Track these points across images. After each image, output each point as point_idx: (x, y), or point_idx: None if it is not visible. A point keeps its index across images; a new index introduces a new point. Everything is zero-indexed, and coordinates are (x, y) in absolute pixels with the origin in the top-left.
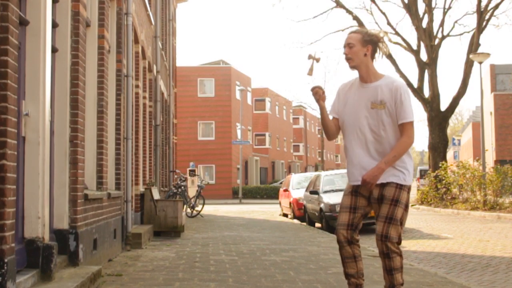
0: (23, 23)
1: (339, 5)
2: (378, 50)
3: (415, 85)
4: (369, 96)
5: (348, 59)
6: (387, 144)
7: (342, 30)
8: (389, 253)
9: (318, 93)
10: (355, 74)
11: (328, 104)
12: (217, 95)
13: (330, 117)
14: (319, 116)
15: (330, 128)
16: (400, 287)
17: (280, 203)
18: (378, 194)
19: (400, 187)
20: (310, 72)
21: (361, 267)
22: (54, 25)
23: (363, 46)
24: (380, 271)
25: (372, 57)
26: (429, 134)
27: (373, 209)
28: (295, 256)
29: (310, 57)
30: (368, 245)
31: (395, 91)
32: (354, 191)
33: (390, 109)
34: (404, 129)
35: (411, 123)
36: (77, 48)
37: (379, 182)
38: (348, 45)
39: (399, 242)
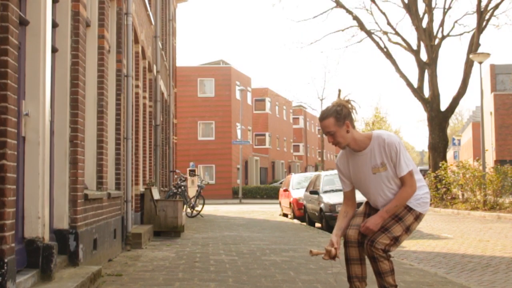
0: (23, 23)
1: (339, 5)
2: (354, 116)
3: (415, 85)
4: (368, 162)
5: (336, 144)
6: None
7: (342, 30)
8: (375, 257)
9: (334, 254)
10: (356, 71)
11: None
12: (217, 95)
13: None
14: (319, 116)
15: (351, 217)
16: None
17: (280, 203)
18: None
19: (409, 209)
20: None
21: (365, 271)
22: (54, 25)
23: (341, 126)
24: None
25: (353, 126)
26: (429, 134)
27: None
28: (295, 256)
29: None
30: None
31: (389, 149)
32: (367, 203)
33: (391, 167)
34: (404, 180)
35: (410, 173)
36: (77, 48)
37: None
38: (328, 133)
39: (385, 252)
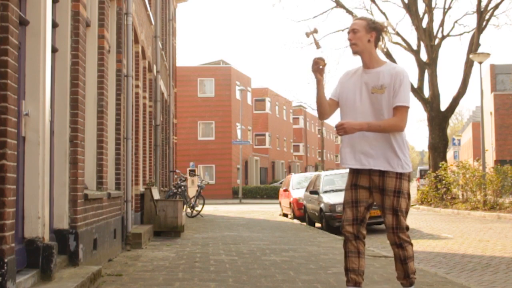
0: (23, 23)
1: (339, 5)
2: (381, 38)
3: (415, 85)
4: (371, 81)
5: (352, 44)
6: None
7: (342, 30)
8: (402, 243)
9: (317, 63)
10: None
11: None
12: (217, 95)
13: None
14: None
15: (324, 106)
16: (413, 275)
17: (280, 203)
18: (378, 183)
19: (400, 176)
20: (318, 45)
21: (362, 265)
22: (54, 25)
23: (367, 33)
24: (380, 271)
25: (376, 44)
26: (429, 134)
27: (374, 199)
28: (295, 256)
29: (307, 34)
30: (368, 245)
31: (395, 75)
32: (353, 185)
33: (389, 94)
34: (398, 112)
35: (406, 108)
36: (77, 48)
37: (378, 168)
38: (352, 31)
39: (407, 229)
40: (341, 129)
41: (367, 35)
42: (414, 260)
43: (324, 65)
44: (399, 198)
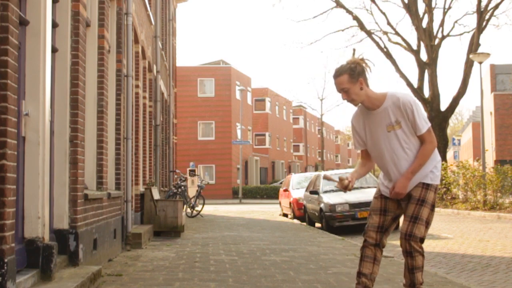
0: (23, 23)
1: (339, 5)
2: (367, 74)
3: (415, 85)
4: (382, 121)
5: (350, 101)
6: (412, 160)
7: (342, 30)
8: (412, 252)
9: (349, 187)
10: None
11: (331, 114)
12: (217, 95)
13: (358, 151)
14: (319, 116)
15: (368, 170)
16: (420, 286)
17: (280, 203)
18: (406, 195)
19: (426, 186)
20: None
21: (376, 272)
22: (54, 25)
23: (355, 83)
24: (381, 271)
25: (367, 85)
26: None
27: (403, 208)
28: (295, 256)
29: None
30: None
31: (404, 108)
32: (382, 195)
33: (406, 124)
34: (424, 138)
35: (429, 129)
36: (77, 48)
37: (410, 189)
38: (342, 90)
39: (422, 241)
40: (399, 195)
41: (356, 85)
42: (423, 272)
43: (350, 183)
44: (422, 206)
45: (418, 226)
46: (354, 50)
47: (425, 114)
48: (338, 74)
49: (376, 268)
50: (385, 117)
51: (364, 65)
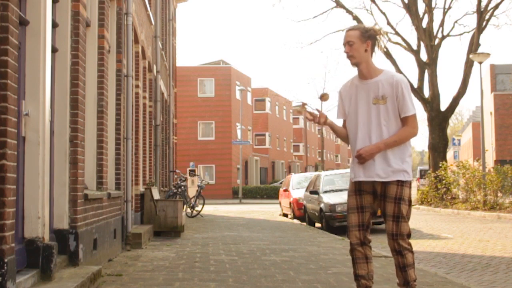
0: (23, 23)
1: (339, 5)
2: (377, 44)
3: (415, 85)
4: (371, 92)
5: (349, 57)
6: (387, 137)
7: (342, 30)
8: (401, 250)
9: (318, 120)
10: (355, 72)
11: (332, 114)
12: (217, 95)
13: (340, 123)
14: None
15: (345, 134)
16: (414, 283)
17: (280, 203)
18: (381, 191)
19: (401, 183)
20: (325, 97)
21: (371, 270)
22: (54, 25)
23: (363, 43)
24: (380, 271)
25: (372, 52)
26: (429, 134)
27: (378, 206)
28: (295, 256)
29: (299, 110)
30: None
31: (396, 85)
32: (357, 190)
33: (392, 103)
34: (408, 121)
35: (414, 115)
36: (77, 48)
37: (383, 180)
38: (348, 43)
39: (409, 237)
40: (361, 159)
41: (363, 45)
42: (414, 268)
43: (321, 115)
44: (400, 204)
45: (402, 224)
46: (376, 23)
47: (414, 101)
48: (351, 28)
49: (370, 266)
50: (374, 89)
51: (378, 35)
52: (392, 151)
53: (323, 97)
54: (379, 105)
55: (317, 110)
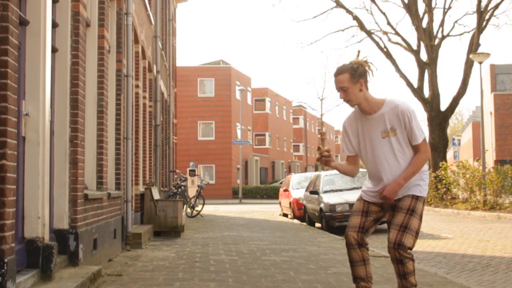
0: (23, 23)
1: (339, 5)
2: (369, 76)
3: (415, 85)
4: (377, 126)
5: (347, 101)
6: (404, 168)
7: (342, 30)
8: (402, 259)
9: (325, 161)
10: None
11: (331, 114)
12: (217, 95)
13: (344, 158)
14: (319, 116)
15: (351, 172)
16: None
17: (280, 203)
18: (392, 204)
19: (416, 198)
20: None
21: (369, 271)
22: (54, 25)
23: (356, 83)
24: (380, 271)
25: (367, 88)
26: (429, 134)
27: (386, 216)
28: (295, 256)
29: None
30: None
31: (402, 115)
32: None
33: (402, 133)
34: (419, 148)
35: (424, 140)
36: (77, 48)
37: (399, 197)
38: (341, 89)
39: (410, 249)
40: (387, 200)
41: (356, 86)
42: (415, 274)
43: (329, 155)
44: (412, 216)
45: (407, 236)
46: (359, 51)
47: (420, 123)
48: (339, 72)
49: (369, 268)
50: (381, 123)
51: (366, 67)
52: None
53: (323, 136)
54: (390, 138)
55: (329, 150)
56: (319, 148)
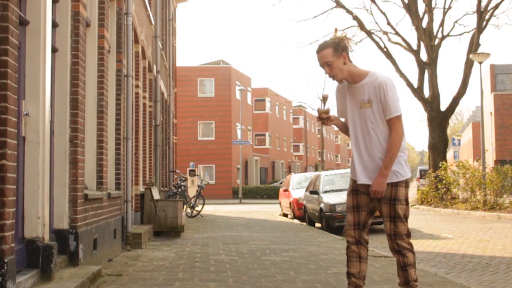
0: (23, 23)
1: (339, 5)
2: (350, 50)
3: (415, 85)
4: (358, 96)
5: (333, 76)
6: (376, 142)
7: (342, 30)
8: (400, 250)
9: (325, 121)
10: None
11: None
12: (217, 95)
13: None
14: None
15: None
16: (415, 283)
17: (280, 203)
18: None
19: (395, 185)
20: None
21: (364, 269)
22: (54, 25)
23: (339, 57)
24: (380, 271)
25: (350, 60)
26: (429, 134)
27: (375, 206)
28: (295, 256)
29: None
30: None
31: (379, 87)
32: (354, 190)
33: (377, 106)
34: (392, 125)
35: (398, 117)
36: (77, 48)
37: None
38: (326, 64)
39: (408, 236)
40: (377, 194)
41: (340, 60)
42: (415, 268)
43: (327, 115)
44: (395, 205)
45: (399, 224)
46: (336, 29)
47: (399, 99)
48: (322, 48)
49: (363, 266)
50: (361, 93)
51: (346, 41)
52: (381, 154)
53: (325, 99)
54: (366, 109)
55: (328, 110)
56: (319, 109)
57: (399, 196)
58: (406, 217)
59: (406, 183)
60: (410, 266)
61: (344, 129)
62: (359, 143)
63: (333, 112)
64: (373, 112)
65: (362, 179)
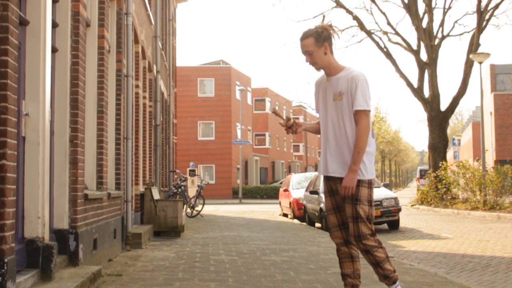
0: (23, 23)
1: (339, 5)
2: (333, 40)
3: (415, 85)
4: (331, 89)
5: (312, 64)
6: (344, 134)
7: (342, 30)
8: (369, 250)
9: (292, 129)
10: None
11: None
12: (217, 95)
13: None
14: (318, 116)
15: (319, 130)
16: (393, 273)
17: (280, 203)
18: (340, 189)
19: (357, 184)
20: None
21: (357, 268)
22: (54, 25)
23: (320, 47)
24: None
25: (332, 51)
26: (429, 134)
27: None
28: (295, 256)
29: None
30: None
31: (351, 80)
32: (330, 191)
33: (347, 99)
34: (359, 119)
35: (364, 112)
36: (77, 48)
37: (338, 175)
38: (306, 53)
39: (373, 235)
40: (349, 189)
41: (321, 50)
42: (389, 260)
43: (293, 124)
44: (357, 205)
45: (361, 225)
46: (323, 16)
47: (369, 97)
48: (304, 36)
49: (356, 265)
50: (335, 85)
51: (331, 31)
52: (348, 147)
53: (276, 113)
54: (337, 101)
55: (289, 118)
56: (280, 123)
57: (360, 197)
58: (369, 219)
59: (369, 184)
60: (383, 261)
61: (315, 130)
62: (328, 136)
63: (310, 110)
64: (343, 105)
65: (334, 167)
